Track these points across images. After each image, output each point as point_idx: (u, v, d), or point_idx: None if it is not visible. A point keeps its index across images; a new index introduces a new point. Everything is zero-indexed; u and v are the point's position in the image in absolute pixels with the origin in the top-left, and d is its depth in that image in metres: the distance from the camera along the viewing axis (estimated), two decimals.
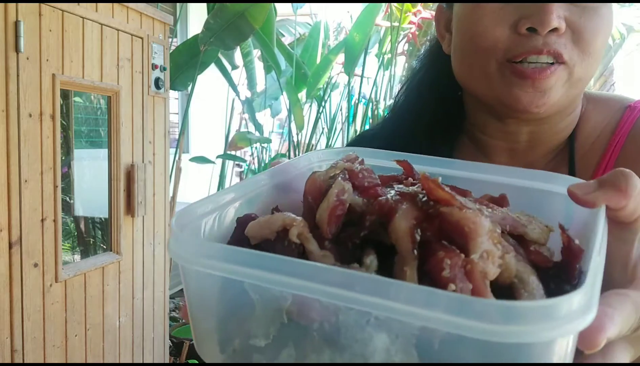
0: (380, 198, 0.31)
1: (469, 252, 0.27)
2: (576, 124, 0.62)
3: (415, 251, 0.28)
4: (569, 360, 0.24)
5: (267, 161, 3.90)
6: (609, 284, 0.29)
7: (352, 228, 0.31)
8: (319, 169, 0.39)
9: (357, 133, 3.63)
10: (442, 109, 0.67)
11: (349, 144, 0.79)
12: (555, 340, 0.22)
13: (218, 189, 3.38)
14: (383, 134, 0.72)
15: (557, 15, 0.51)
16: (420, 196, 0.30)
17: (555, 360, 0.23)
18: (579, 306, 0.22)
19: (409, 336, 0.24)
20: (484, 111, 0.62)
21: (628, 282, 0.30)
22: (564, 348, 0.23)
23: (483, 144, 0.64)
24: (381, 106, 3.60)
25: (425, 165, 0.39)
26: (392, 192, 0.32)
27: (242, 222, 0.32)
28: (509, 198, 0.35)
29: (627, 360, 0.28)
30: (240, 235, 0.32)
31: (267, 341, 0.28)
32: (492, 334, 0.21)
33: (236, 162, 3.90)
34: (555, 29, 0.52)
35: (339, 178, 0.32)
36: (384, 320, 0.24)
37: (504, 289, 0.28)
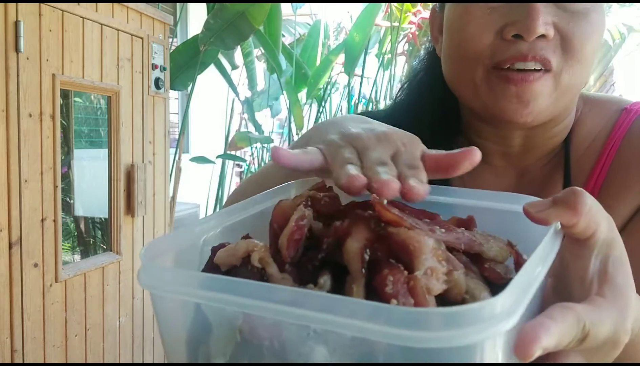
0: (335, 222, 0.33)
1: (413, 269, 0.28)
2: (572, 127, 0.61)
3: (364, 270, 0.29)
4: (504, 352, 0.25)
5: (267, 161, 3.90)
6: (569, 299, 0.30)
7: (313, 251, 0.33)
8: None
9: None
10: (441, 110, 0.67)
11: None
12: (479, 343, 0.23)
13: (218, 189, 3.38)
14: None
15: (544, 22, 0.50)
16: (374, 219, 0.32)
17: (489, 356, 0.24)
18: (501, 310, 0.23)
19: (344, 347, 0.25)
20: (476, 116, 0.62)
21: (585, 297, 0.31)
22: (492, 352, 0.24)
23: (478, 147, 0.64)
24: (381, 106, 3.60)
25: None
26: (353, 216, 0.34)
27: (215, 250, 0.35)
28: (481, 220, 0.37)
29: None
30: (212, 263, 0.34)
31: (225, 359, 0.30)
32: (408, 340, 0.22)
33: (236, 162, 3.90)
34: (542, 36, 0.51)
35: (301, 205, 0.34)
36: (322, 333, 0.26)
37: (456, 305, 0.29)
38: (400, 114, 0.71)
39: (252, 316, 0.28)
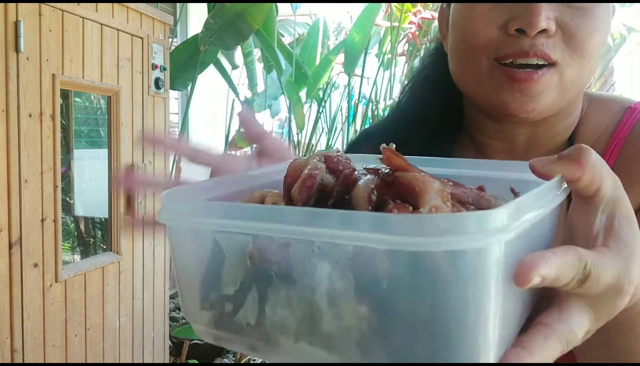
0: (345, 170, 0.34)
1: (418, 208, 0.29)
2: (577, 125, 0.61)
3: (370, 208, 0.30)
4: (498, 276, 0.25)
5: None
6: None
7: (324, 198, 0.34)
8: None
9: (357, 133, 3.63)
10: (445, 108, 0.67)
11: (351, 143, 0.79)
12: (475, 250, 0.24)
13: None
14: (385, 132, 0.72)
15: (546, 17, 0.51)
16: (384, 169, 0.33)
17: (482, 271, 0.24)
18: (501, 222, 0.24)
19: (345, 261, 0.26)
20: (481, 112, 0.62)
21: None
22: (489, 263, 0.25)
23: (482, 144, 0.64)
24: (381, 106, 3.60)
25: (417, 165, 0.41)
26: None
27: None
28: (491, 190, 0.37)
29: (556, 354, 0.29)
30: None
31: (235, 288, 0.31)
32: (403, 245, 0.23)
33: None
34: (544, 31, 0.51)
35: (314, 159, 0.36)
36: (325, 249, 0.27)
37: None
38: (404, 112, 0.72)
39: (261, 241, 0.29)
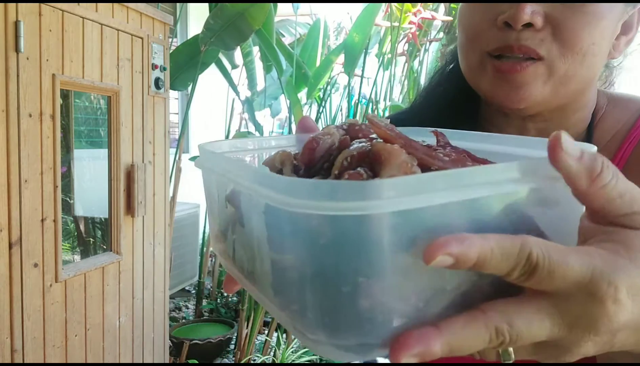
0: (344, 137, 0.35)
1: (378, 176, 0.29)
2: (595, 123, 0.62)
3: (337, 173, 0.31)
4: (386, 247, 0.25)
5: None
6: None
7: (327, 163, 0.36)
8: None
9: None
10: (460, 101, 0.69)
11: None
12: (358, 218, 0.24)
13: None
14: (409, 119, 0.74)
15: (532, 11, 0.52)
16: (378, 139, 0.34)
17: (358, 239, 0.25)
18: (387, 193, 0.24)
19: (261, 214, 0.30)
20: (490, 106, 0.64)
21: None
22: (367, 231, 0.25)
23: None
24: (381, 106, 3.60)
25: (463, 141, 0.41)
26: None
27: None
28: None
29: (478, 342, 0.26)
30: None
31: (225, 227, 0.38)
32: (285, 204, 0.25)
33: None
34: (530, 25, 0.52)
35: (333, 126, 0.37)
36: (255, 202, 0.31)
37: None
38: (423, 107, 0.74)
39: (235, 186, 0.34)
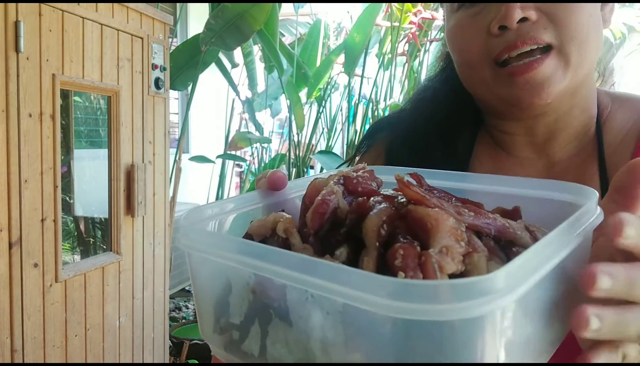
0: (359, 198, 0.33)
1: (429, 247, 0.28)
2: (602, 122, 0.62)
3: (377, 244, 0.30)
4: (502, 337, 0.24)
5: (267, 161, 3.90)
6: None
7: (337, 226, 0.34)
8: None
9: (357, 133, 3.63)
10: (457, 104, 0.68)
11: (369, 131, 0.79)
12: (464, 320, 0.23)
13: (218, 190, 3.38)
14: (401, 124, 0.73)
15: (522, 7, 0.52)
16: (399, 198, 0.32)
17: (484, 335, 0.23)
18: (499, 285, 0.23)
19: (337, 313, 0.26)
20: (495, 114, 0.63)
21: None
22: (493, 324, 0.24)
23: (502, 140, 0.66)
24: (381, 106, 3.60)
25: (440, 180, 0.41)
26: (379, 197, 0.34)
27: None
28: (529, 209, 0.36)
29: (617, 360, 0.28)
30: (247, 234, 0.37)
31: (240, 319, 0.32)
32: (390, 310, 0.23)
33: (236, 162, 3.90)
34: (525, 20, 0.53)
35: (332, 182, 0.35)
36: (318, 298, 0.27)
37: None
38: (423, 106, 0.73)
39: (263, 277, 0.29)
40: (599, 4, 0.57)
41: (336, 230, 0.33)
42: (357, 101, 3.73)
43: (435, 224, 0.28)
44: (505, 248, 0.32)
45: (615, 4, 0.59)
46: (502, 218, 0.33)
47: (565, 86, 0.55)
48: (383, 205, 0.31)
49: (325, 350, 0.27)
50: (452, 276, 0.27)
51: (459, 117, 0.68)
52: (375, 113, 3.57)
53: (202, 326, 0.37)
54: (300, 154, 3.62)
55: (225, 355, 0.35)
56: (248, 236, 0.36)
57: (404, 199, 0.31)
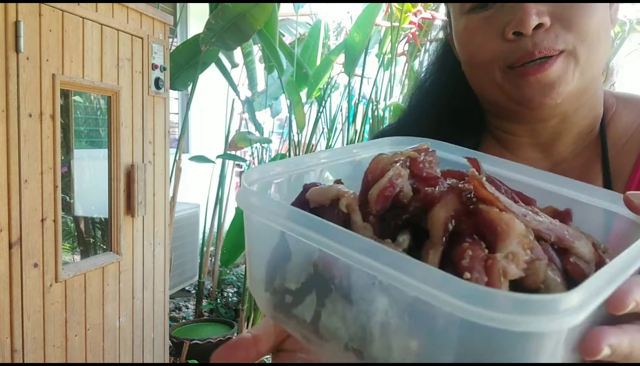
0: (427, 188, 0.33)
1: (495, 250, 0.28)
2: (607, 122, 0.62)
3: (444, 239, 0.30)
4: (556, 359, 0.24)
5: (267, 162, 3.90)
6: None
7: (398, 210, 0.33)
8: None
9: (357, 133, 3.63)
10: (457, 107, 0.68)
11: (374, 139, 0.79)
12: (541, 334, 0.23)
13: (218, 190, 3.38)
14: (405, 129, 0.72)
15: (537, 13, 0.52)
16: (467, 192, 0.32)
17: (543, 354, 0.24)
18: (568, 306, 0.23)
19: (404, 304, 0.27)
20: (500, 115, 0.63)
21: None
22: (552, 346, 0.24)
23: (506, 141, 0.66)
24: (381, 106, 3.60)
25: (495, 166, 0.41)
26: (445, 184, 0.34)
27: (307, 188, 0.37)
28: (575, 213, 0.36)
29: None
30: (302, 198, 0.36)
31: (297, 286, 0.33)
32: (467, 313, 0.23)
33: (236, 162, 3.90)
34: (540, 26, 0.53)
35: (398, 164, 0.35)
36: (386, 286, 0.27)
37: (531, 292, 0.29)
38: (423, 109, 0.73)
39: (328, 254, 0.29)
40: (607, 5, 0.57)
41: (396, 212, 0.33)
42: (357, 101, 3.73)
43: (506, 229, 0.28)
44: (559, 254, 0.32)
45: (636, 37, 0.60)
46: (561, 224, 0.32)
47: (575, 86, 0.55)
48: (450, 196, 0.31)
49: (385, 333, 0.28)
50: (511, 281, 0.28)
51: (463, 123, 0.68)
52: (375, 113, 3.57)
53: (253, 285, 0.37)
54: (300, 154, 3.62)
55: (274, 314, 0.35)
56: (303, 200, 0.36)
57: (471, 195, 0.31)
